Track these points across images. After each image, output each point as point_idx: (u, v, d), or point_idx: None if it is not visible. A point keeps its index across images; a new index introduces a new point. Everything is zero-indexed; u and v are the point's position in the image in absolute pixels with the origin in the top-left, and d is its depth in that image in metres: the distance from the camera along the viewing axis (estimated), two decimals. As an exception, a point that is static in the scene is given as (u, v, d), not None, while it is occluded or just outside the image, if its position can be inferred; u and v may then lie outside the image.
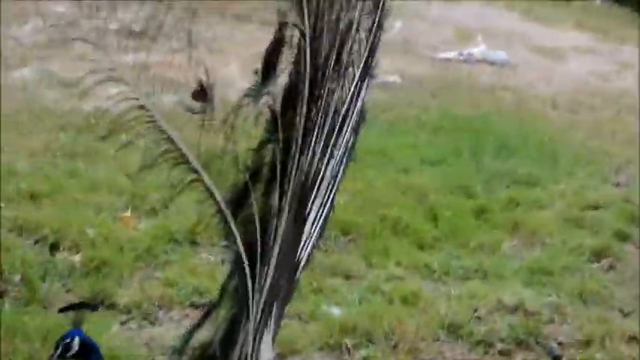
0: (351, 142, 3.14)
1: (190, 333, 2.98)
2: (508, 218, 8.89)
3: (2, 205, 7.38)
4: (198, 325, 3.02)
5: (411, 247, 7.92)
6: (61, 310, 3.29)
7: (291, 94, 3.01)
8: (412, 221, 8.33)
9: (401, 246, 7.85)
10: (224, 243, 3.02)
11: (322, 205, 3.01)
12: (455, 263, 7.67)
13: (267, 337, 2.90)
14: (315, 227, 3.01)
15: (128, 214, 7.64)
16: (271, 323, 2.91)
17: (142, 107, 2.91)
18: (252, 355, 2.82)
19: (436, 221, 8.58)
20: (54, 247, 6.80)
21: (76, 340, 3.03)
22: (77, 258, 6.63)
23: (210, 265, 6.76)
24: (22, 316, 5.47)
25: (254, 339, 2.81)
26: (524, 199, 9.38)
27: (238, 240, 2.83)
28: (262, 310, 2.82)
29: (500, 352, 5.99)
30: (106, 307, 5.96)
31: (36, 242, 6.85)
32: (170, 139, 2.87)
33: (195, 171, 2.87)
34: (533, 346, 6.14)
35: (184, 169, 2.91)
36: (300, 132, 2.95)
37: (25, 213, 7.24)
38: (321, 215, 3.04)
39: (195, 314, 5.63)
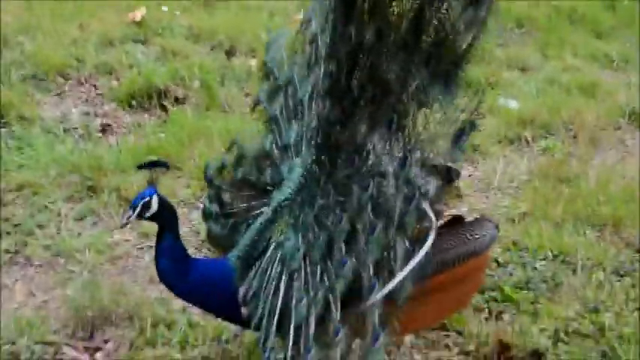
0: None
1: None
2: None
3: (177, 13, 7.51)
4: None
5: (587, 36, 7.69)
6: (140, 167, 3.13)
7: None
8: (588, 11, 8.06)
9: (577, 36, 7.62)
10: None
11: None
12: (634, 52, 7.41)
13: None
14: None
15: (301, 16, 7.60)
16: None
17: None
18: None
19: (614, 9, 8.28)
20: (230, 53, 6.88)
21: (155, 198, 2.83)
22: (253, 62, 6.70)
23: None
24: (204, 120, 5.55)
25: None
26: None
27: None
28: None
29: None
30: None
31: (212, 49, 6.93)
32: None
33: None
34: None
35: None
36: None
37: (200, 20, 7.36)
38: None
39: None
